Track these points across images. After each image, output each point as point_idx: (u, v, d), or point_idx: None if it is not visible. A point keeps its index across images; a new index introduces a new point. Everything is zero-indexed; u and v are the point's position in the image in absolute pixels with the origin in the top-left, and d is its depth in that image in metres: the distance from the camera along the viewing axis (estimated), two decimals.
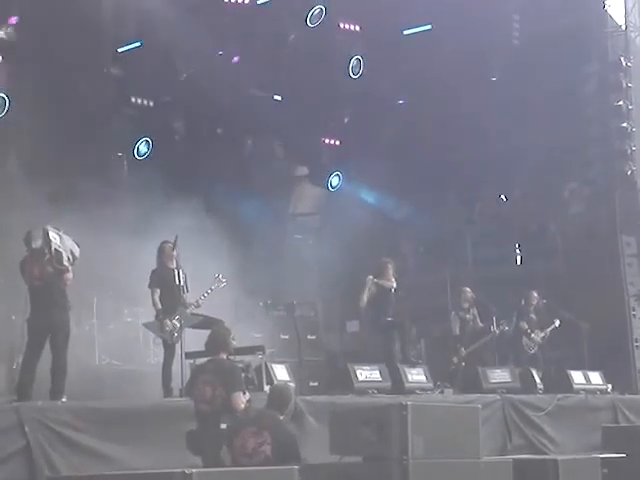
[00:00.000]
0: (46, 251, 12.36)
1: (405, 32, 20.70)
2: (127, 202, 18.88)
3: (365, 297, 16.57)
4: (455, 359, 17.93)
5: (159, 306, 14.41)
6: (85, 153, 18.52)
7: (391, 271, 16.74)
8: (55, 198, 16.76)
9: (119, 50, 18.83)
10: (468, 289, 18.41)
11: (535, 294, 18.89)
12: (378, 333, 16.66)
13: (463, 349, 17.97)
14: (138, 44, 18.92)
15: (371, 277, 16.68)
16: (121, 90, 19.50)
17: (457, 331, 18.16)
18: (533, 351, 18.51)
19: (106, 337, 16.91)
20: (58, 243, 12.47)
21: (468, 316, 18.23)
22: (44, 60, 17.45)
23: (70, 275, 12.51)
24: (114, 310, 17.34)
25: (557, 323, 18.70)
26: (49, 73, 17.56)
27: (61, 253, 12.45)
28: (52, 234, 12.45)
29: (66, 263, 12.46)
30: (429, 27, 20.69)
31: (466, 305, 18.27)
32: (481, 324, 18.24)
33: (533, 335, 18.51)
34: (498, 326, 18.20)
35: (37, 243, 12.43)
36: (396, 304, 16.91)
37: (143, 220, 17.87)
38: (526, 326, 18.55)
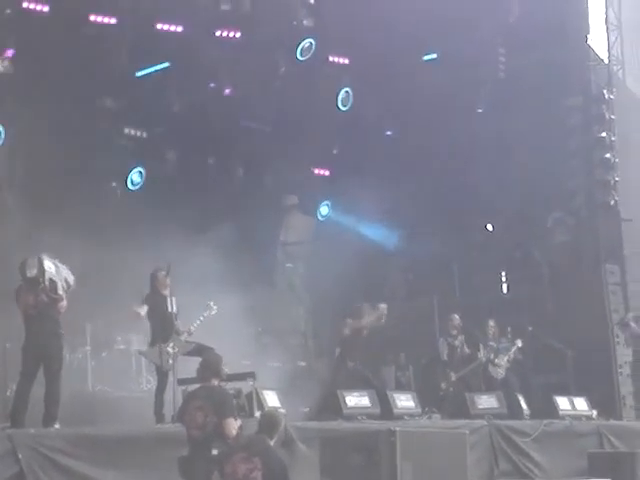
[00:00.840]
0: (41, 280, 12.45)
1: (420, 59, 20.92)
2: (120, 231, 19.09)
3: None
4: (444, 385, 18.07)
5: (142, 313, 14.51)
6: (79, 183, 18.71)
7: (366, 314, 16.81)
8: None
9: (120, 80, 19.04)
10: (456, 316, 18.59)
11: (491, 323, 18.95)
12: (338, 375, 16.67)
13: (452, 374, 18.13)
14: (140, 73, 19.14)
15: (349, 320, 16.83)
16: (115, 121, 19.73)
17: (445, 357, 18.33)
18: (502, 376, 18.55)
19: (99, 364, 17.05)
20: (53, 272, 12.57)
21: (456, 342, 18.38)
22: (39, 92, 17.57)
23: (64, 303, 12.60)
24: (107, 338, 17.49)
25: (519, 343, 18.77)
26: (44, 105, 17.68)
27: (56, 283, 12.54)
28: (47, 263, 12.54)
29: (60, 292, 12.54)
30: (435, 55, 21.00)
31: (454, 332, 18.44)
32: (468, 350, 18.43)
33: (497, 360, 18.63)
34: (485, 353, 18.39)
35: (32, 272, 12.48)
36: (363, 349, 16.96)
37: (136, 249, 18.06)
38: (488, 355, 18.54)
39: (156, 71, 19.14)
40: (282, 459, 10.44)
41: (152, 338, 14.78)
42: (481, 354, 18.36)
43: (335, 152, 22.55)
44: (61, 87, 17.93)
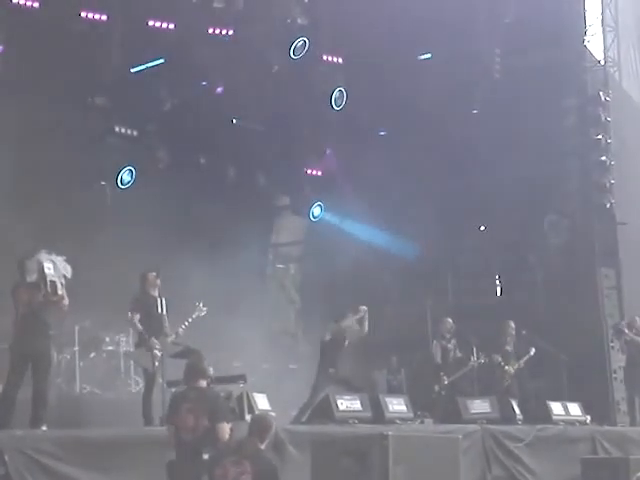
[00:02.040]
0: (42, 286, 12.35)
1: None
2: (110, 230, 18.93)
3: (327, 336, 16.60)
4: (437, 387, 17.95)
5: (140, 327, 14.42)
6: (69, 182, 18.57)
7: (352, 317, 16.60)
8: None
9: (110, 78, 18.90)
10: (449, 319, 18.45)
11: (512, 325, 18.77)
12: (320, 381, 16.50)
13: (446, 377, 17.99)
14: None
15: (331, 324, 16.65)
16: (105, 120, 19.57)
17: (439, 360, 18.19)
18: (507, 383, 18.45)
19: (87, 365, 16.90)
20: (52, 272, 12.43)
21: (450, 345, 18.26)
22: (29, 90, 17.47)
23: (66, 302, 12.53)
24: (95, 338, 17.33)
25: (532, 352, 18.64)
26: (33, 102, 17.57)
27: (55, 282, 12.44)
28: (47, 265, 12.41)
29: (60, 292, 12.46)
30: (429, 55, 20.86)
31: (447, 335, 18.31)
32: (460, 354, 18.28)
33: (507, 367, 18.47)
34: (477, 357, 18.25)
35: (32, 277, 12.40)
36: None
37: (126, 248, 17.91)
38: (500, 359, 18.48)
39: (149, 68, 18.96)
40: (273, 463, 10.37)
41: (139, 339, 14.60)
42: (474, 359, 18.20)
43: (328, 152, 22.41)
44: (51, 84, 17.81)
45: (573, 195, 21.14)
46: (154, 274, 14.61)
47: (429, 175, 21.86)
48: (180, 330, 14.57)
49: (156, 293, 14.57)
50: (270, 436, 10.46)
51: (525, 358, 18.59)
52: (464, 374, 18.27)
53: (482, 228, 22.51)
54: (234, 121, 20.89)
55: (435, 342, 18.34)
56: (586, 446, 16.99)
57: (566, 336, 19.94)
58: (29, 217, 16.79)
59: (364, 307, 16.62)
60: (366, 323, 16.54)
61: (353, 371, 17.87)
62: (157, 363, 14.19)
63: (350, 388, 16.14)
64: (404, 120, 21.43)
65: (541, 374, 19.35)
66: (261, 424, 10.42)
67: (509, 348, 18.58)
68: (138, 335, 14.67)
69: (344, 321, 16.50)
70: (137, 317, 14.42)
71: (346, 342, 16.57)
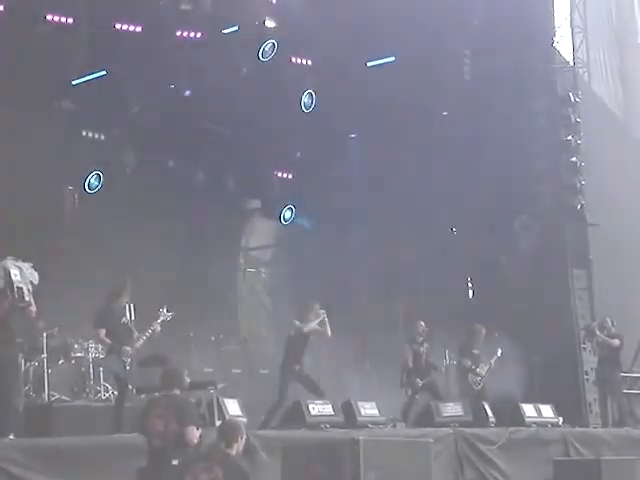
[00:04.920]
0: (8, 293, 12.21)
1: (368, 64, 20.78)
2: (77, 235, 18.76)
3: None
4: (410, 391, 17.88)
5: (108, 341, 14.31)
6: (36, 186, 18.39)
7: (314, 315, 16.47)
8: None
9: (73, 83, 18.71)
10: (422, 323, 18.38)
11: (482, 329, 18.64)
12: (285, 379, 16.38)
13: (419, 380, 17.93)
14: (93, 76, 18.85)
15: (297, 321, 16.53)
16: (72, 124, 19.41)
17: (410, 364, 18.11)
18: (479, 387, 18.40)
19: (56, 373, 16.70)
20: (19, 279, 12.32)
21: (422, 349, 18.20)
22: None
23: (34, 308, 12.41)
24: (64, 345, 17.14)
25: (499, 352, 18.60)
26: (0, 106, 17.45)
27: (22, 289, 12.31)
28: (13, 272, 12.29)
29: (27, 298, 12.33)
30: (393, 59, 20.80)
31: (420, 338, 18.25)
32: (430, 359, 18.23)
33: (478, 370, 18.45)
34: (449, 361, 18.22)
35: None
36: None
37: (93, 253, 17.74)
38: (469, 363, 18.44)
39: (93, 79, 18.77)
40: (244, 468, 10.25)
41: (108, 347, 14.46)
42: (446, 361, 18.16)
43: (298, 155, 22.34)
44: (17, 88, 17.62)
45: (543, 196, 21.13)
46: (120, 290, 14.46)
47: (400, 177, 21.79)
48: (146, 335, 14.43)
49: (123, 303, 14.43)
50: (240, 441, 10.36)
51: (494, 359, 18.55)
52: (435, 378, 18.21)
53: (453, 230, 22.46)
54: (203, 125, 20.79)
55: (407, 346, 18.26)
56: (558, 448, 16.96)
57: (538, 338, 19.94)
58: None
59: (322, 310, 16.50)
60: (328, 326, 16.42)
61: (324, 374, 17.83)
62: (127, 367, 14.08)
63: (313, 389, 16.03)
64: (374, 122, 21.39)
65: (513, 376, 19.28)
66: (230, 429, 10.31)
67: (476, 352, 18.51)
68: (108, 347, 14.55)
69: (308, 326, 16.35)
70: (103, 332, 14.30)
71: (310, 338, 16.46)
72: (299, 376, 16.19)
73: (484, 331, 18.62)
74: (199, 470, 9.83)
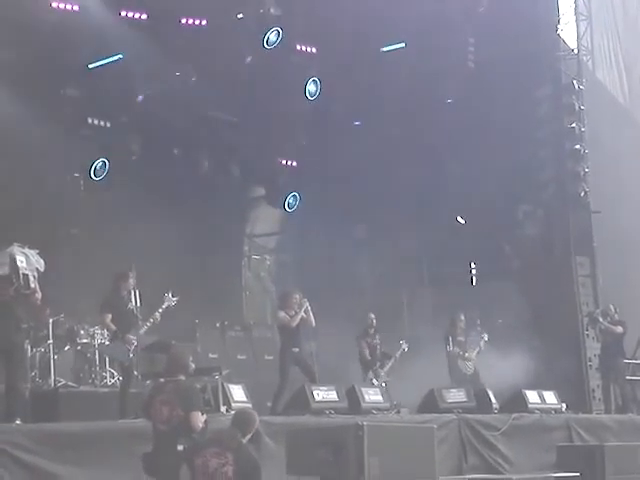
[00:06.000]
0: (14, 279, 12.23)
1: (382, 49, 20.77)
2: (83, 222, 18.80)
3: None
4: (375, 381, 17.95)
5: (113, 327, 14.38)
6: (41, 174, 18.45)
7: (295, 303, 16.33)
8: None
9: (90, 66, 18.72)
10: (372, 315, 18.43)
11: (461, 316, 18.77)
12: (285, 362, 16.41)
13: (381, 371, 18.06)
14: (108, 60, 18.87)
15: (282, 312, 16.50)
16: (77, 111, 19.44)
17: (368, 356, 18.21)
18: (471, 371, 18.49)
19: (62, 358, 16.79)
20: (25, 266, 12.31)
21: (375, 341, 18.33)
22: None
23: (39, 295, 12.40)
24: (70, 331, 17.22)
25: (486, 337, 18.74)
26: (5, 94, 17.44)
27: (27, 275, 12.32)
28: (19, 258, 12.28)
29: (33, 285, 12.34)
30: (403, 45, 20.80)
31: (371, 331, 18.37)
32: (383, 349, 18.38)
33: (467, 354, 18.55)
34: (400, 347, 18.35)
35: (4, 270, 12.25)
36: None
37: (99, 240, 17.79)
38: (457, 350, 18.54)
39: (111, 62, 18.78)
40: (255, 458, 10.33)
41: (113, 336, 14.54)
42: (400, 349, 18.25)
43: (303, 143, 22.35)
44: (22, 75, 17.63)
45: (547, 184, 21.15)
46: (126, 273, 14.52)
47: (404, 165, 21.82)
48: (150, 322, 14.50)
49: (129, 289, 14.49)
50: (253, 431, 10.45)
51: (481, 343, 18.65)
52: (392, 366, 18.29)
53: (460, 220, 22.45)
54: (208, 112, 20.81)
55: (361, 340, 18.33)
56: (562, 434, 17.03)
57: (541, 324, 20.00)
58: (1, 209, 16.67)
59: (305, 299, 16.43)
60: (311, 314, 16.38)
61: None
62: (132, 355, 14.15)
63: (308, 374, 16.02)
64: (379, 110, 21.38)
65: (517, 363, 19.34)
66: (245, 418, 10.41)
67: (461, 338, 18.61)
68: (112, 333, 14.62)
69: (295, 319, 16.28)
70: (109, 317, 14.36)
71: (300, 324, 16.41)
72: (297, 359, 16.21)
73: (463, 317, 18.76)
74: (210, 454, 9.92)
